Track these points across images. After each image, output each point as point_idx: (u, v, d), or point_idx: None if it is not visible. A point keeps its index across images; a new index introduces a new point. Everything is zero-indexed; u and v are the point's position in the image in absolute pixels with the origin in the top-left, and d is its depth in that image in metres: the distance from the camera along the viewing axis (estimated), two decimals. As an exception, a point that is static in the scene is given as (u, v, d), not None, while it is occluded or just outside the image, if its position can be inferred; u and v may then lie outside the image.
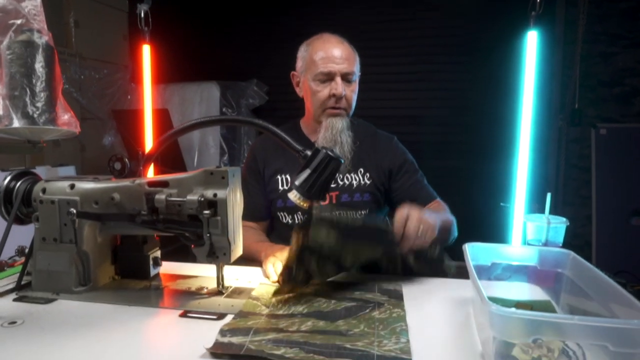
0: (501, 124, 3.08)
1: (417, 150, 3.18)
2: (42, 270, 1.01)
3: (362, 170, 1.39)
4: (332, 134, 1.33)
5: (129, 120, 2.97)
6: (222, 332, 0.78)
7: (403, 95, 3.47)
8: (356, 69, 1.37)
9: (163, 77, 3.42)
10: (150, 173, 2.75)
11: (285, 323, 0.82)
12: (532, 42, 2.08)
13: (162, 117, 2.84)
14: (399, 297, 0.97)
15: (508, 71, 3.00)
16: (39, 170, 2.53)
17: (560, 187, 3.24)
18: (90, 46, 2.95)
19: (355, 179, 1.38)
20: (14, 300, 0.96)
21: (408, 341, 0.75)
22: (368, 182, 1.38)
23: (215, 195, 0.91)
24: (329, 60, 1.32)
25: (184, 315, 0.88)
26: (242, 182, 1.43)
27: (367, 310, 0.89)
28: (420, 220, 1.00)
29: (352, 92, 1.37)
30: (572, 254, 0.86)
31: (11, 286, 1.03)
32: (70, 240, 0.99)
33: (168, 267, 1.18)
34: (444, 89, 3.36)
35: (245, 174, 1.44)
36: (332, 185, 1.34)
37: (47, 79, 0.84)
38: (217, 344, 0.73)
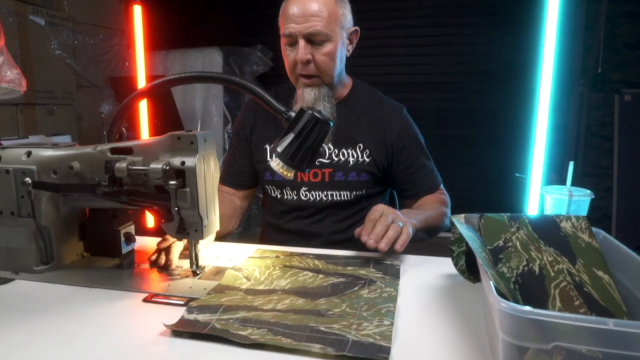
0: (518, 90, 2.90)
1: (429, 119, 3.06)
2: (0, 247, 0.91)
3: (360, 145, 1.21)
4: (304, 106, 1.15)
5: (126, 88, 2.85)
6: (190, 309, 0.71)
7: (414, 60, 3.28)
8: (333, 27, 1.12)
9: (163, 43, 3.29)
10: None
11: (261, 300, 0.75)
12: (553, 1, 1.90)
13: (160, 84, 2.71)
14: (395, 275, 0.88)
15: (527, 33, 2.80)
16: (32, 139, 2.45)
17: (580, 156, 3.07)
18: (83, 10, 2.80)
19: (353, 156, 1.21)
20: (-33, 280, 0.87)
21: (392, 324, 0.66)
22: (367, 159, 1.21)
23: (183, 163, 0.79)
24: (290, 19, 1.10)
25: (149, 299, 0.78)
26: (230, 144, 1.33)
27: (356, 288, 0.80)
28: (387, 225, 0.92)
29: (324, 56, 1.12)
30: (603, 233, 0.73)
31: (-31, 264, 0.93)
32: (28, 214, 0.88)
33: (146, 243, 1.08)
34: (458, 53, 3.16)
35: (233, 138, 1.33)
36: (326, 161, 1.20)
37: (-18, 27, 0.72)
38: (181, 320, 0.67)
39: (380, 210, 0.95)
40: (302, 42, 1.10)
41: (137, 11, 2.13)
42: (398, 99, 1.32)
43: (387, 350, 0.59)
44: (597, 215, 3.03)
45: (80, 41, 2.77)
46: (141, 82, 2.31)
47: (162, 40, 3.22)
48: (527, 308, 0.44)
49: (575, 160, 3.04)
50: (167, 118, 2.93)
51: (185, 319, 0.67)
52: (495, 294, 0.49)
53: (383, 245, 0.89)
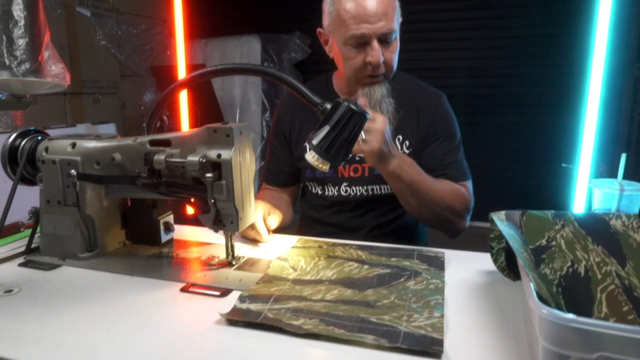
0: (567, 74, 2.76)
1: (469, 105, 2.97)
2: (48, 234, 0.95)
3: (400, 137, 1.18)
4: (371, 104, 1.12)
5: (168, 76, 2.91)
6: (242, 298, 0.72)
7: (456, 45, 3.17)
8: (396, 23, 1.09)
9: (203, 31, 3.33)
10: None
11: (310, 290, 0.76)
12: (608, -25, 1.79)
13: (199, 73, 2.75)
14: (439, 266, 0.87)
15: (579, 13, 2.65)
16: (79, 128, 2.55)
17: (633, 145, 2.90)
18: (127, 0, 2.87)
19: None
20: (20, 265, 0.92)
21: (442, 316, 0.66)
22: (407, 151, 1.17)
23: (219, 155, 0.80)
24: (361, 20, 1.04)
25: (186, 289, 0.79)
26: (269, 142, 1.33)
27: (402, 280, 0.80)
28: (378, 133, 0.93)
29: (392, 54, 1.10)
30: (654, 231, 0.68)
31: (22, 249, 0.98)
32: (74, 204, 0.92)
33: (184, 233, 1.11)
34: (503, 37, 3.03)
35: (271, 135, 1.32)
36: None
37: (27, 24, 0.74)
38: (234, 309, 0.69)
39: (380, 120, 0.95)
40: (376, 44, 1.06)
41: (178, 1, 2.15)
42: (437, 85, 1.28)
43: (440, 343, 0.59)
44: (650, 208, 2.87)
45: (124, 31, 2.85)
46: (181, 71, 2.35)
47: (201, 28, 3.25)
48: (571, 316, 0.42)
49: (628, 149, 2.89)
50: (207, 106, 2.98)
51: (237, 308, 0.69)
52: (536, 298, 0.47)
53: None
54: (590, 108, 1.92)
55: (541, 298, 0.48)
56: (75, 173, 0.89)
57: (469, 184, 1.20)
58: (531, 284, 0.50)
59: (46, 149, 0.94)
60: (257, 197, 1.20)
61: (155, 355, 0.60)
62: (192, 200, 0.87)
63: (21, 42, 0.73)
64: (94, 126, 2.60)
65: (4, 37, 0.71)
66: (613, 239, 0.66)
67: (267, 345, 0.62)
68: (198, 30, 3.16)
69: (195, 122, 2.78)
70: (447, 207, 1.09)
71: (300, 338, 0.62)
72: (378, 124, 0.94)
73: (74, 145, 0.93)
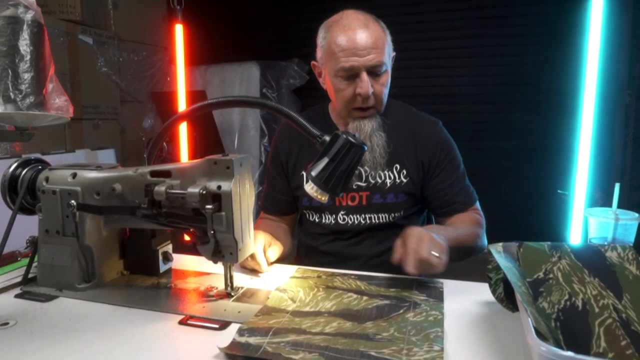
0: (560, 101, 2.81)
1: (465, 131, 3.01)
2: (45, 265, 0.95)
3: (397, 166, 1.20)
4: (362, 138, 1.10)
5: (167, 103, 2.95)
6: (241, 332, 0.71)
7: (449, 72, 3.23)
8: (387, 56, 1.11)
9: (203, 58, 3.38)
10: (185, 160, 2.73)
11: (309, 323, 0.76)
12: (597, 7, 1.84)
13: (199, 99, 2.78)
14: (439, 297, 0.87)
15: (569, 41, 2.72)
16: (78, 153, 2.56)
17: (627, 170, 2.93)
18: (128, 28, 2.92)
19: (390, 177, 1.19)
20: (16, 295, 0.91)
21: (442, 350, 0.66)
22: (404, 180, 1.19)
23: (219, 187, 0.81)
24: (350, 53, 1.07)
25: (185, 322, 0.79)
26: (266, 171, 1.34)
27: (401, 311, 0.80)
28: (432, 240, 0.90)
29: (382, 86, 1.12)
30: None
31: (19, 279, 0.98)
32: (72, 234, 0.92)
33: (182, 262, 1.10)
34: (495, 64, 3.10)
35: (269, 164, 1.33)
36: (363, 185, 1.19)
37: (33, 58, 0.76)
38: (233, 343, 0.68)
39: (417, 235, 0.91)
40: (365, 76, 1.08)
41: (179, 30, 2.19)
42: (434, 111, 1.30)
43: None
44: (647, 232, 2.88)
45: (125, 58, 2.89)
46: (181, 97, 2.38)
47: (201, 55, 3.31)
48: (569, 354, 0.43)
49: (623, 175, 2.92)
50: (206, 132, 3.00)
51: (237, 341, 0.68)
52: (535, 335, 0.47)
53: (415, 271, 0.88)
54: (584, 134, 1.95)
55: (539, 334, 0.48)
56: (75, 203, 0.90)
57: (477, 204, 1.23)
58: (529, 320, 0.50)
59: (47, 179, 0.94)
60: (256, 226, 1.20)
61: (153, 391, 0.59)
62: (191, 230, 0.87)
63: (26, 76, 0.74)
64: (93, 151, 2.61)
65: (10, 72, 0.73)
66: (609, 271, 0.66)
67: None
68: (198, 56, 3.21)
69: (195, 147, 2.80)
70: (475, 243, 1.14)
71: None
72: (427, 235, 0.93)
73: (74, 175, 0.93)
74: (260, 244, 1.00)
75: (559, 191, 2.06)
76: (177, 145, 2.82)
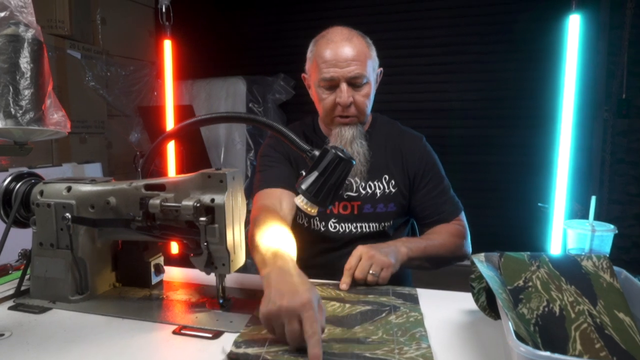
0: (540, 117, 2.90)
1: (448, 146, 3.07)
2: (39, 277, 0.96)
3: (386, 177, 1.25)
4: (342, 144, 1.18)
5: (154, 117, 2.95)
6: (237, 344, 0.74)
7: (435, 87, 3.31)
8: (369, 69, 1.17)
9: (189, 72, 3.40)
10: (173, 173, 2.73)
11: None
12: (574, 27, 1.92)
13: (186, 113, 2.81)
14: (414, 301, 0.93)
15: (548, 59, 2.82)
16: (66, 167, 2.55)
17: (606, 184, 3.02)
18: (116, 43, 2.94)
19: (379, 188, 1.24)
20: (9, 308, 0.92)
21: (429, 347, 0.71)
22: (393, 190, 1.24)
23: (212, 200, 0.83)
24: (330, 64, 1.13)
25: (178, 331, 0.81)
26: (264, 157, 1.27)
27: (384, 315, 0.85)
28: (372, 259, 1.01)
29: (363, 97, 1.17)
30: (624, 272, 0.73)
31: (12, 291, 0.99)
32: (67, 246, 0.93)
33: (173, 274, 1.12)
34: (478, 80, 3.18)
35: (268, 150, 1.28)
36: (354, 195, 1.23)
37: (33, 75, 0.78)
38: (232, 354, 0.71)
39: (357, 255, 1.03)
40: (344, 86, 1.14)
41: (167, 46, 2.22)
42: (417, 125, 1.35)
43: None
44: (625, 244, 2.96)
45: (113, 73, 2.90)
46: (169, 111, 2.39)
47: (188, 70, 3.33)
48: (547, 353, 0.46)
49: (601, 188, 3.00)
50: (192, 146, 3.02)
51: (234, 352, 0.71)
52: (515, 337, 0.50)
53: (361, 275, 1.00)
54: (563, 149, 2.01)
55: (519, 337, 0.52)
56: (70, 216, 0.91)
57: (462, 215, 1.29)
58: (510, 324, 0.53)
59: (41, 193, 0.96)
60: (259, 223, 1.03)
61: (151, 398, 0.61)
62: (185, 242, 0.89)
63: (27, 93, 0.76)
64: (80, 165, 2.61)
65: (11, 88, 0.75)
66: (585, 279, 0.70)
67: None
68: (184, 71, 3.23)
69: (182, 161, 2.81)
70: (451, 252, 1.20)
71: None
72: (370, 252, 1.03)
73: (69, 188, 0.95)
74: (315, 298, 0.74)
75: (539, 204, 2.12)
76: (165, 159, 2.83)
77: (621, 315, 0.64)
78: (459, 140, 3.19)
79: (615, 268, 0.73)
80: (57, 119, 0.81)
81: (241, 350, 0.71)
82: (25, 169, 1.07)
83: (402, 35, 3.28)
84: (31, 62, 0.79)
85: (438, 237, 1.20)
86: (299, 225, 1.28)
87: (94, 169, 2.70)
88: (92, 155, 2.76)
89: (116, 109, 2.97)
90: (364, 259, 1.01)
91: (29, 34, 0.79)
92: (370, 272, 1.00)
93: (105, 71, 2.85)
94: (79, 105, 2.68)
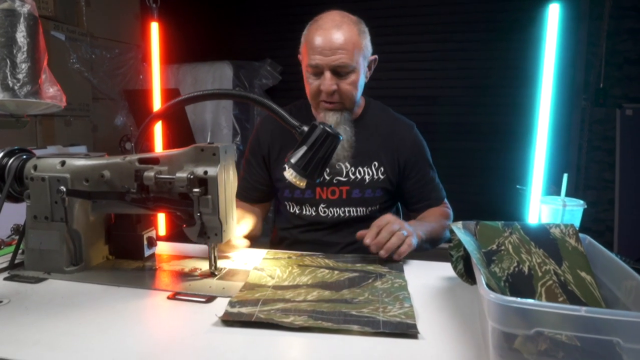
0: (521, 104, 2.97)
1: (434, 132, 3.13)
2: (33, 249, 0.99)
3: (376, 163, 1.28)
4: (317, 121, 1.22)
5: (140, 100, 2.95)
6: (232, 304, 0.78)
7: (420, 75, 3.36)
8: (357, 58, 1.17)
9: (175, 56, 3.39)
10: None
11: (291, 294, 0.84)
12: (553, 16, 1.97)
13: (173, 97, 2.80)
14: (399, 269, 0.99)
15: (529, 48, 2.88)
16: (50, 150, 2.55)
17: (582, 170, 3.12)
18: (101, 25, 2.91)
19: (368, 174, 1.28)
20: (5, 279, 0.95)
21: (412, 306, 0.77)
22: (382, 177, 1.28)
23: (205, 172, 0.87)
24: (317, 52, 1.14)
25: (172, 297, 0.85)
26: (245, 160, 1.39)
27: (370, 280, 0.91)
28: (392, 233, 1.00)
29: (349, 85, 1.18)
30: (588, 238, 0.79)
31: (5, 265, 1.01)
32: (61, 219, 0.96)
33: (164, 248, 1.15)
34: (462, 68, 3.24)
35: (248, 154, 1.38)
36: (343, 179, 1.27)
37: (30, 49, 0.81)
38: (226, 313, 0.75)
39: (387, 218, 1.03)
40: (328, 74, 1.16)
41: (155, 28, 2.22)
42: (403, 112, 1.39)
43: (414, 327, 0.70)
44: (599, 227, 3.07)
45: (98, 55, 2.88)
46: (156, 95, 2.40)
47: (174, 54, 3.32)
48: (511, 298, 0.51)
49: (578, 173, 3.10)
50: (179, 130, 3.02)
51: (229, 312, 0.75)
52: (486, 287, 0.56)
53: (383, 252, 0.98)
54: (540, 136, 2.08)
55: (491, 289, 0.57)
56: (64, 189, 0.94)
57: (446, 199, 1.37)
58: (482, 277, 0.59)
59: (35, 167, 0.98)
60: None
61: (150, 355, 0.65)
62: (178, 214, 0.93)
63: (24, 66, 0.79)
64: (65, 148, 2.60)
65: (8, 61, 0.77)
66: (552, 244, 0.76)
67: (268, 339, 0.69)
68: (170, 55, 3.22)
69: (168, 145, 2.82)
70: (444, 233, 1.25)
71: (294, 331, 0.70)
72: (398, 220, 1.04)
73: (63, 163, 0.98)
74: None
75: (518, 186, 2.20)
76: (152, 144, 2.83)
77: (583, 274, 0.71)
78: (442, 126, 3.25)
79: (581, 235, 0.79)
80: (53, 93, 0.83)
81: (235, 310, 0.75)
82: (15, 147, 1.09)
83: (388, 23, 3.31)
84: (27, 37, 0.81)
85: (435, 220, 1.25)
86: (290, 213, 1.33)
87: (79, 152, 2.70)
88: (77, 138, 2.75)
89: (101, 92, 2.95)
90: (392, 221, 1.02)
91: (24, 9, 0.81)
92: (401, 231, 1.00)
93: (90, 53, 2.83)
94: (63, 88, 2.63)
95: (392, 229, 1.00)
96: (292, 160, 0.91)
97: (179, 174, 0.87)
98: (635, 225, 2.95)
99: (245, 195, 1.37)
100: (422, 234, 1.11)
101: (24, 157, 1.05)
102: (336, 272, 0.96)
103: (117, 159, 0.95)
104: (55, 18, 2.55)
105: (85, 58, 2.79)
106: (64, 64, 2.65)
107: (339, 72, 1.17)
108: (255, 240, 1.23)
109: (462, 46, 3.22)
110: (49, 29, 2.53)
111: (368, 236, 1.00)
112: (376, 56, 1.27)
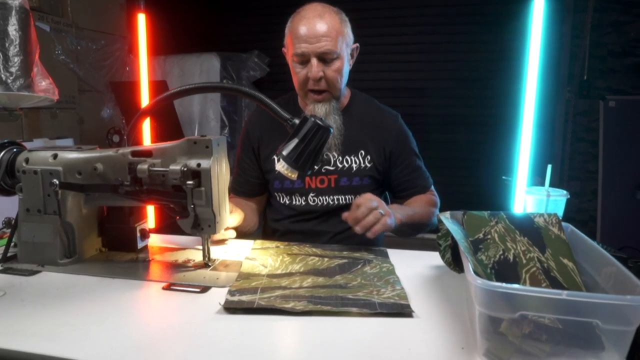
0: (507, 96, 3.01)
1: (421, 124, 3.16)
2: (27, 242, 0.99)
3: (362, 152, 1.31)
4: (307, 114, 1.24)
5: (127, 92, 2.92)
6: (231, 292, 0.80)
7: (406, 66, 3.38)
8: (340, 45, 1.21)
9: (162, 48, 3.36)
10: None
11: (286, 281, 0.87)
12: (538, 9, 2.00)
13: (160, 89, 2.79)
14: (384, 255, 1.04)
15: (515, 41, 2.92)
16: (36, 143, 2.52)
17: (567, 161, 3.18)
18: (86, 16, 2.88)
19: (356, 162, 1.30)
20: (-2, 271, 0.95)
21: (403, 289, 0.82)
22: (369, 165, 1.31)
23: (199, 165, 0.88)
24: (302, 40, 1.18)
25: (167, 288, 0.86)
26: (237, 155, 1.41)
27: (359, 266, 0.95)
28: (370, 209, 1.02)
29: (334, 72, 1.22)
30: (571, 227, 0.82)
31: (-2, 258, 1.01)
32: (54, 212, 0.97)
33: (157, 240, 1.17)
34: (449, 60, 3.26)
35: (240, 149, 1.39)
36: (331, 169, 1.30)
37: (22, 42, 0.81)
38: (227, 302, 0.77)
39: (367, 196, 1.07)
40: (314, 61, 1.19)
41: (141, 19, 2.21)
42: (389, 104, 1.42)
43: (409, 307, 0.74)
44: (583, 217, 3.14)
45: (83, 47, 2.85)
46: (143, 87, 2.39)
47: (161, 45, 3.29)
48: (497, 283, 0.54)
49: (562, 164, 3.16)
50: (167, 122, 3.01)
51: (230, 300, 0.77)
52: (473, 274, 0.58)
53: (359, 228, 1.02)
54: (526, 127, 2.12)
55: (477, 275, 0.60)
56: (57, 182, 0.94)
57: (432, 186, 1.39)
58: (469, 264, 0.61)
59: (26, 160, 0.98)
60: None
61: (148, 344, 0.67)
62: (171, 206, 0.94)
63: (16, 60, 0.79)
64: (52, 141, 2.58)
65: (1, 55, 0.77)
66: (536, 232, 0.79)
67: (272, 324, 0.72)
68: (157, 47, 3.19)
69: (156, 137, 2.81)
70: (429, 219, 1.28)
71: (296, 316, 0.73)
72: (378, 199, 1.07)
73: (55, 156, 0.98)
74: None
75: (503, 177, 2.24)
76: (140, 138, 2.81)
77: (565, 261, 0.74)
78: (428, 118, 3.28)
79: (564, 223, 0.82)
80: (45, 86, 0.83)
81: (236, 298, 0.78)
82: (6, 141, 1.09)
83: (375, 15, 3.32)
84: (19, 30, 0.81)
85: (419, 207, 1.28)
86: (281, 204, 1.35)
87: (66, 145, 2.68)
88: (63, 130, 2.73)
89: (87, 84, 2.92)
90: (370, 198, 1.05)
91: (16, 2, 0.81)
92: (379, 210, 1.03)
93: (76, 45, 2.80)
94: (49, 80, 2.63)
95: (370, 206, 1.03)
96: (284, 153, 0.92)
97: (172, 167, 0.88)
98: (617, 215, 3.02)
99: (239, 190, 1.39)
100: (402, 216, 1.14)
101: (15, 150, 1.04)
102: (326, 259, 0.99)
103: (110, 152, 0.96)
104: (39, 9, 2.52)
105: (70, 49, 2.75)
106: (49, 55, 2.62)
107: (325, 58, 1.20)
108: (251, 234, 1.26)
109: (449, 38, 3.25)
110: (33, 19, 2.49)
111: (349, 213, 1.05)
112: (357, 45, 1.31)
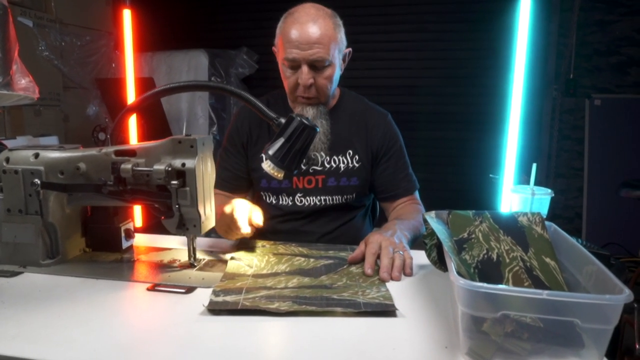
0: (494, 94, 3.03)
1: (410, 121, 3.17)
2: (8, 243, 0.97)
3: (350, 152, 1.29)
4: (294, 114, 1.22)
5: (113, 89, 2.89)
6: (216, 293, 0.80)
7: (395, 64, 3.38)
8: (332, 52, 1.17)
9: (149, 44, 3.33)
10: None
11: (272, 281, 0.86)
12: (525, 7, 2.02)
13: (147, 86, 2.76)
14: None
15: (502, 39, 2.94)
16: (20, 140, 2.48)
17: (553, 158, 3.21)
18: (70, 11, 2.83)
19: (343, 162, 1.29)
20: (-21, 273, 0.93)
21: (388, 290, 0.82)
22: (357, 165, 1.29)
23: (183, 164, 0.87)
24: (294, 45, 1.14)
25: (152, 288, 0.86)
26: (222, 149, 1.39)
27: (345, 266, 0.95)
28: (391, 257, 0.94)
29: (325, 80, 1.19)
30: (554, 226, 0.83)
31: (-22, 259, 1.00)
32: (36, 212, 0.95)
33: (142, 240, 1.16)
34: (437, 58, 3.28)
35: (226, 143, 1.37)
36: (319, 169, 1.28)
37: (0, 40, 0.79)
38: (212, 303, 0.76)
39: (377, 241, 0.98)
40: (305, 68, 1.15)
41: (127, 15, 2.18)
42: (378, 101, 1.41)
43: (393, 306, 0.74)
44: (569, 214, 3.18)
45: (68, 42, 2.81)
46: (130, 84, 2.36)
47: (148, 42, 3.25)
48: (479, 283, 0.54)
49: (549, 162, 3.20)
50: (154, 120, 2.98)
51: (214, 301, 0.77)
52: (456, 274, 0.59)
53: (397, 275, 0.92)
54: (512, 125, 2.14)
55: (461, 275, 0.60)
56: (39, 182, 0.93)
57: (416, 193, 1.35)
58: (453, 264, 0.62)
59: (7, 160, 0.97)
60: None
61: (132, 346, 0.66)
62: (155, 206, 0.93)
63: (-6, 58, 0.77)
64: (36, 138, 2.54)
65: (-22, 53, 0.76)
66: (520, 231, 0.80)
67: (256, 324, 0.72)
68: (144, 43, 3.16)
69: (143, 135, 2.78)
70: (420, 230, 1.20)
71: (280, 316, 0.73)
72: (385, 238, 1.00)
73: (36, 155, 0.96)
74: (245, 208, 1.02)
75: (490, 175, 2.26)
76: (127, 135, 2.79)
77: (548, 260, 0.74)
78: (416, 116, 3.29)
79: (547, 223, 0.83)
80: (25, 84, 0.82)
81: (220, 299, 0.77)
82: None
83: (364, 13, 3.32)
84: (-2, 27, 0.79)
85: (412, 218, 1.23)
86: (267, 203, 1.33)
87: (51, 142, 2.64)
88: (47, 128, 2.68)
89: (72, 81, 2.88)
90: (385, 245, 0.97)
91: (-6, -1, 0.79)
92: (397, 251, 0.96)
93: (60, 41, 2.75)
94: (32, 76, 2.59)
95: (389, 254, 0.95)
96: (270, 152, 0.92)
97: (156, 166, 0.87)
98: (602, 212, 3.06)
99: (225, 185, 1.35)
100: (408, 234, 1.10)
101: (-4, 149, 1.03)
102: (312, 259, 0.99)
103: (93, 151, 0.95)
104: (22, 3, 2.47)
105: (54, 45, 2.71)
106: (32, 51, 2.57)
107: (316, 66, 1.17)
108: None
109: (437, 36, 3.26)
110: (15, 15, 2.45)
111: (367, 266, 0.93)
112: (350, 49, 1.28)
